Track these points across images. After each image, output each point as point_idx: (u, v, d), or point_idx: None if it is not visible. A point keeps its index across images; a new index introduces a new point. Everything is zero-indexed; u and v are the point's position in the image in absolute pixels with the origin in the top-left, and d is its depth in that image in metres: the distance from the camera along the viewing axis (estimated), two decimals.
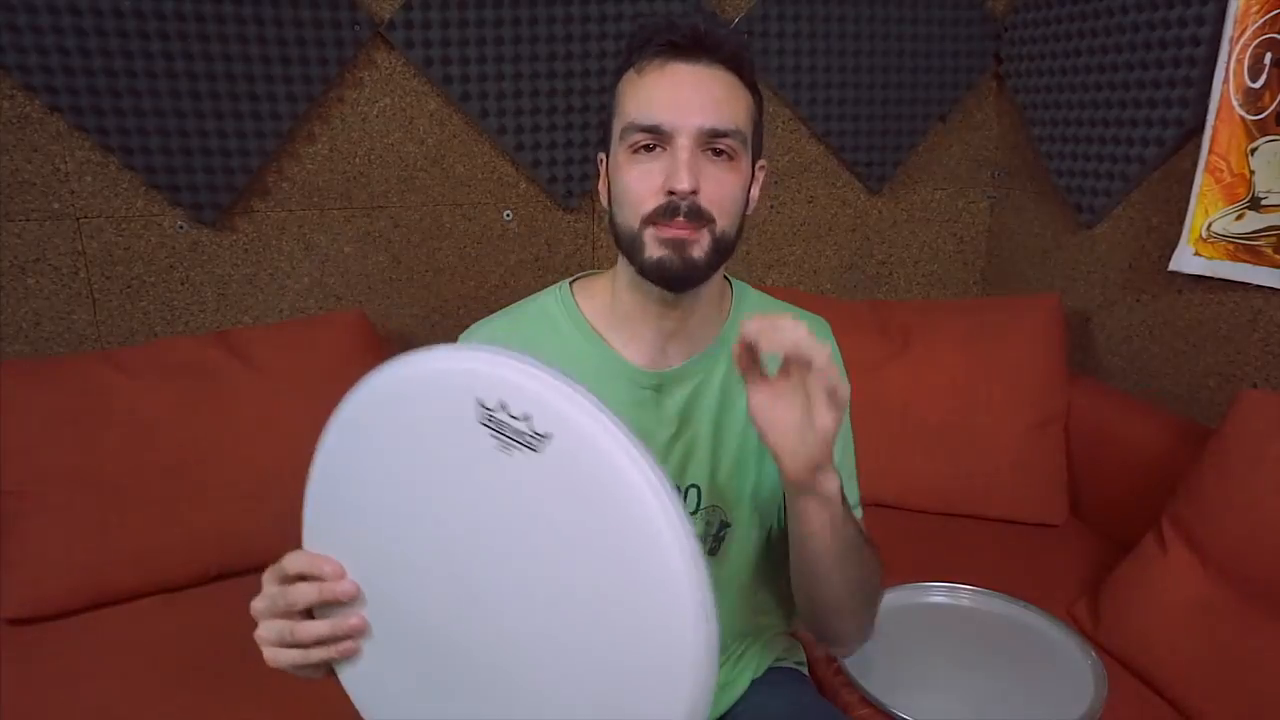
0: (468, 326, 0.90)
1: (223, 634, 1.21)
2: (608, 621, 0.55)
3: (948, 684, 1.11)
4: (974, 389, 1.60)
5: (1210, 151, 1.38)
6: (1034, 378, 1.60)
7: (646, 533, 0.52)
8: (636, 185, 0.75)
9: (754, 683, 0.94)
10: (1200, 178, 1.41)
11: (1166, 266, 1.48)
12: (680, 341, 0.84)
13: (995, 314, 1.69)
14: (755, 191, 0.83)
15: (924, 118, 1.91)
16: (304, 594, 0.63)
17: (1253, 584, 1.07)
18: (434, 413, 0.57)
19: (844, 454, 0.91)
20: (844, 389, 0.64)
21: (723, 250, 0.77)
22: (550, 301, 0.88)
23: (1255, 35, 1.30)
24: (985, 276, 2.10)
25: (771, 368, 0.67)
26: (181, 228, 1.57)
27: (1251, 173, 1.32)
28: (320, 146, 1.62)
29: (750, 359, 0.66)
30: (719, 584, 0.54)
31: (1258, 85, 1.30)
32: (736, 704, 0.92)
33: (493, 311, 0.90)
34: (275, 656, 0.64)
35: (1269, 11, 1.28)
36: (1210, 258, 1.41)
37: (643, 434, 0.54)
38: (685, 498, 0.84)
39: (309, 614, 0.64)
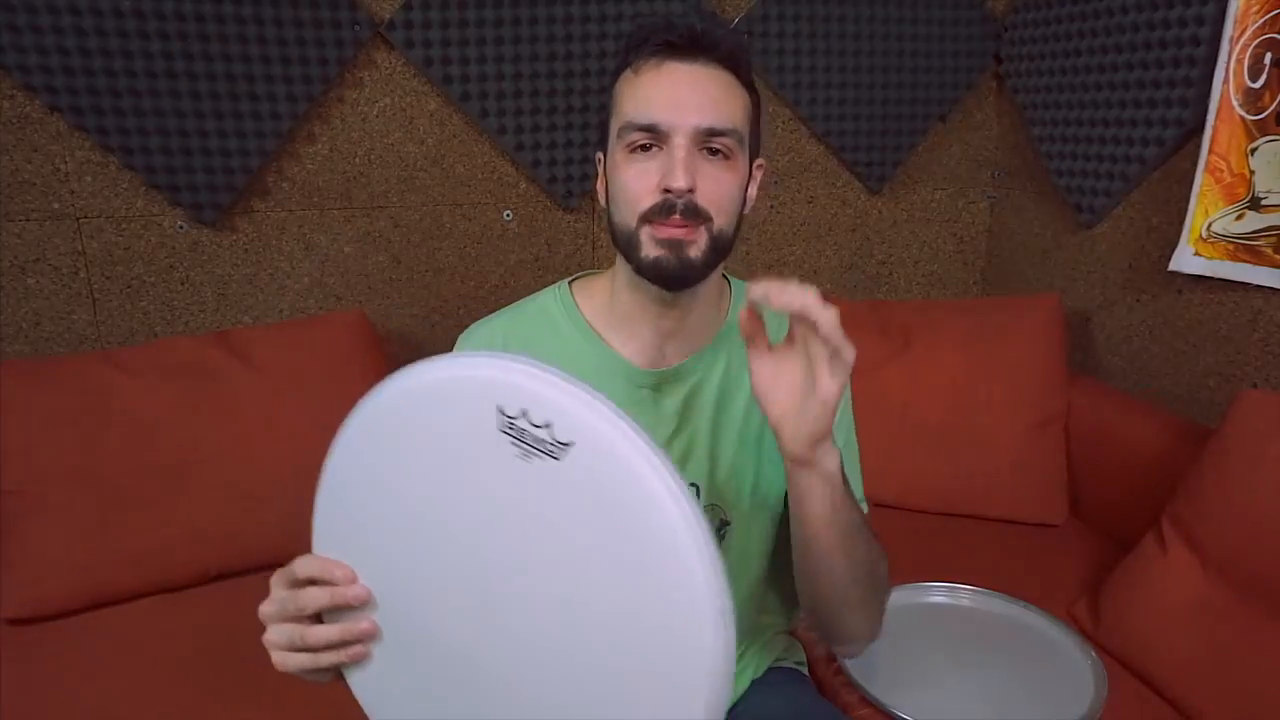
0: (467, 326, 0.90)
1: (222, 634, 1.21)
2: (625, 625, 0.55)
3: (948, 684, 1.11)
4: (974, 389, 1.60)
5: (1210, 151, 1.38)
6: (1034, 378, 1.60)
7: (666, 539, 0.53)
8: (633, 184, 0.75)
9: (754, 683, 0.94)
10: (1200, 178, 1.41)
11: (1166, 266, 1.48)
12: (678, 340, 0.84)
13: (995, 314, 1.69)
14: (753, 190, 0.83)
15: (924, 118, 1.91)
16: (315, 598, 0.62)
17: (1253, 584, 1.07)
18: (453, 420, 0.57)
19: (847, 448, 0.90)
20: (848, 351, 0.63)
21: (720, 249, 0.77)
22: (549, 301, 0.88)
23: (1255, 35, 1.30)
24: (985, 276, 2.10)
25: (776, 340, 0.68)
26: (181, 228, 1.57)
27: (1251, 173, 1.32)
28: (320, 146, 1.62)
29: (756, 325, 0.66)
30: None
31: (1258, 85, 1.30)
32: (736, 704, 0.92)
33: (493, 311, 0.90)
34: (284, 660, 0.64)
35: (1269, 11, 1.28)
36: (1210, 258, 1.41)
37: None
38: None
39: (318, 618, 0.64)
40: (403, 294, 1.75)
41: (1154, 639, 1.15)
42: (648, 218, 0.75)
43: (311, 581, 0.63)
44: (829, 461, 0.69)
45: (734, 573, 0.87)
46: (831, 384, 0.64)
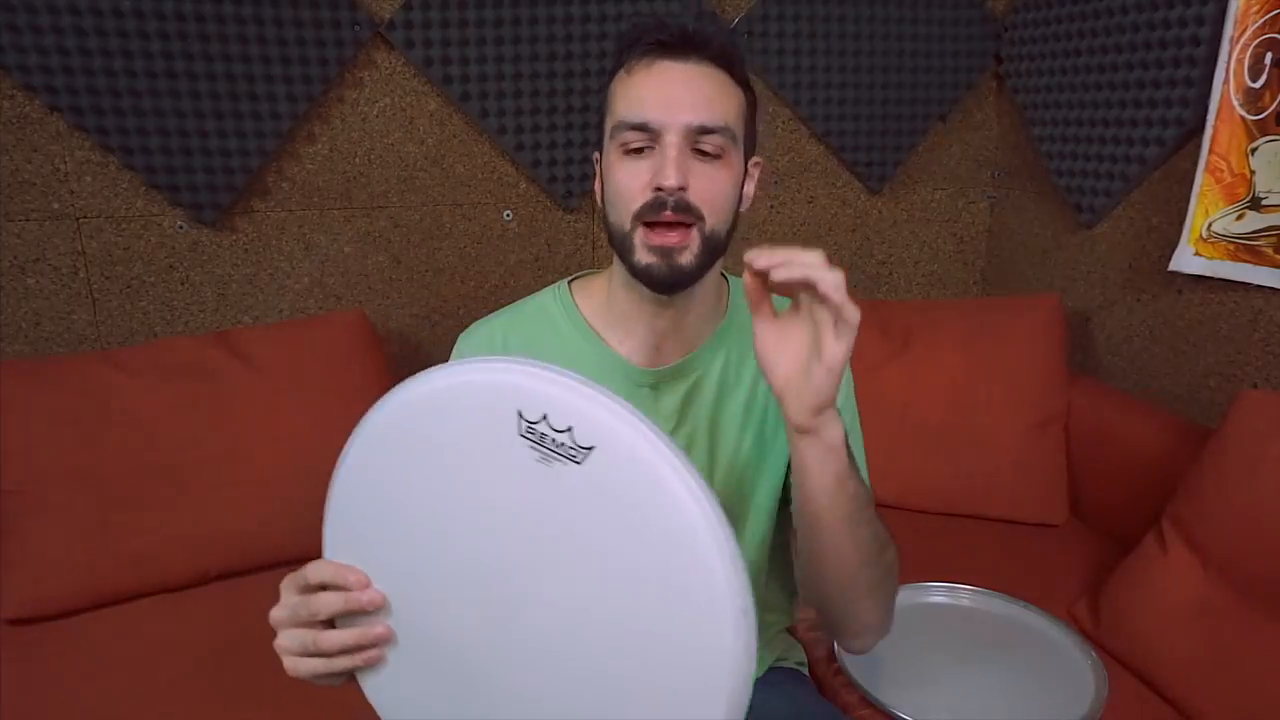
0: (467, 326, 0.90)
1: (222, 634, 1.22)
2: (645, 626, 0.55)
3: (948, 684, 1.11)
4: (974, 389, 1.60)
5: (1210, 151, 1.38)
6: (1034, 378, 1.60)
7: (688, 539, 0.53)
8: (626, 183, 0.75)
9: (754, 682, 0.94)
10: (1200, 178, 1.41)
11: (1166, 266, 1.48)
12: (676, 339, 0.84)
13: (995, 314, 1.69)
14: (749, 188, 0.83)
15: (924, 118, 1.91)
16: (328, 603, 0.62)
17: (1253, 584, 1.07)
18: (472, 425, 0.57)
19: (850, 429, 0.90)
20: (851, 313, 0.62)
21: (713, 249, 0.77)
22: (548, 300, 0.89)
23: (1255, 35, 1.30)
24: (985, 276, 2.10)
25: (781, 308, 0.67)
26: (181, 228, 1.57)
27: (1252, 173, 1.32)
28: (320, 146, 1.62)
29: (760, 292, 0.65)
30: None
31: (1258, 85, 1.30)
32: None
33: (492, 311, 0.91)
34: (296, 666, 0.64)
35: (1269, 11, 1.28)
36: (1210, 258, 1.41)
37: None
38: None
39: (330, 623, 0.64)
40: (403, 294, 1.75)
41: (1154, 639, 1.15)
42: (640, 216, 0.75)
43: (323, 587, 0.63)
44: (833, 430, 0.68)
45: None
46: (837, 347, 0.63)
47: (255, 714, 1.08)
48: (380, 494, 0.62)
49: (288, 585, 0.65)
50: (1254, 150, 1.32)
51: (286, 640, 0.64)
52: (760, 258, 0.62)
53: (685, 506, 0.53)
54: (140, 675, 1.15)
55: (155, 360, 1.39)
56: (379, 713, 0.67)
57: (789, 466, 0.87)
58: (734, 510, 0.86)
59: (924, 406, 1.61)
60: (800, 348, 0.65)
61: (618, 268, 0.82)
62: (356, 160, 1.65)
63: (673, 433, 0.84)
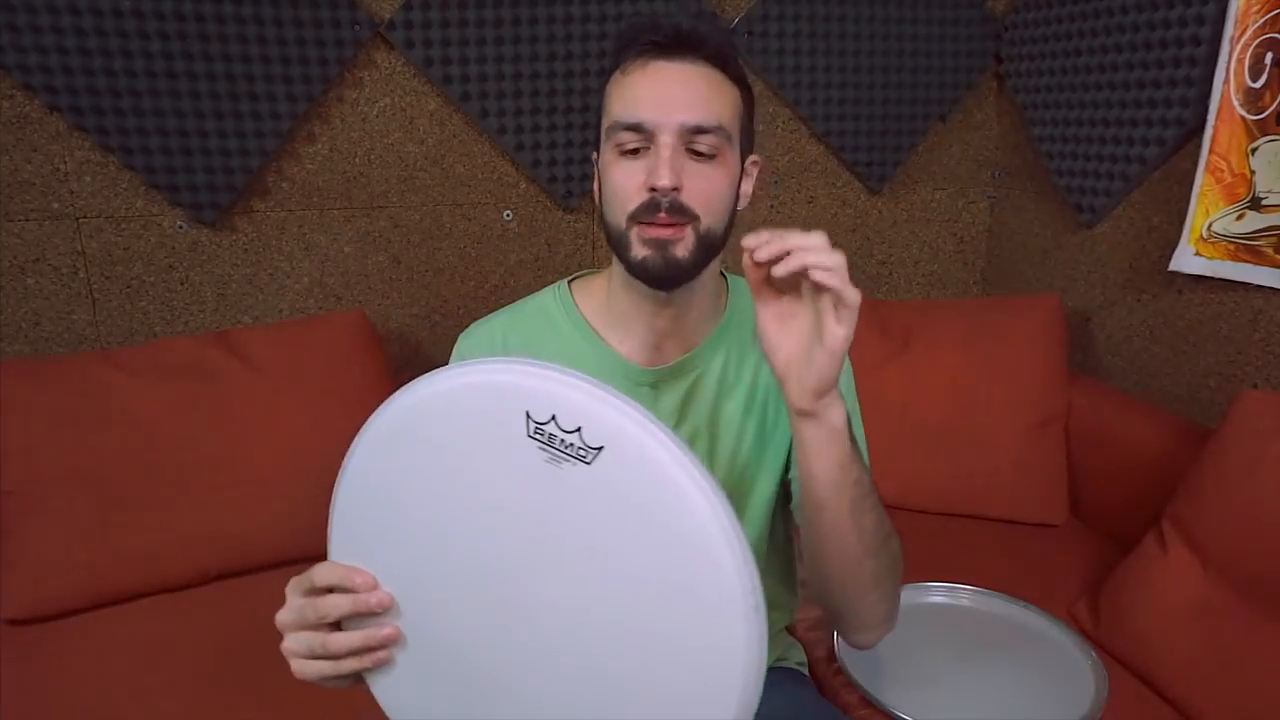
0: (467, 326, 0.90)
1: (222, 634, 1.22)
2: (656, 624, 0.55)
3: (947, 684, 1.11)
4: (974, 389, 1.60)
5: (1211, 151, 1.38)
6: (1034, 378, 1.59)
7: (698, 537, 0.53)
8: (621, 183, 0.76)
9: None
10: (1200, 178, 1.41)
11: (1167, 266, 1.48)
12: (676, 338, 0.84)
13: (995, 314, 1.69)
14: (747, 187, 0.83)
15: (924, 118, 1.91)
16: (336, 606, 0.62)
17: (1253, 584, 1.07)
18: (479, 427, 0.57)
19: (851, 415, 0.90)
20: (852, 295, 0.62)
21: (709, 247, 0.77)
22: (548, 300, 0.89)
23: (1256, 35, 1.30)
24: (985, 276, 2.10)
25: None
26: (181, 228, 1.57)
27: (1252, 173, 1.32)
28: (320, 146, 1.62)
29: (760, 274, 0.65)
30: None
31: (1258, 85, 1.30)
32: None
33: (492, 311, 0.91)
34: (303, 668, 0.64)
35: (1269, 11, 1.28)
36: (1211, 258, 1.41)
37: None
38: None
39: (336, 625, 0.64)
40: (403, 294, 1.75)
41: (1154, 639, 1.15)
42: (636, 217, 0.75)
43: (330, 589, 0.63)
44: (835, 414, 0.68)
45: None
46: (839, 330, 0.63)
47: (255, 714, 1.08)
48: (386, 496, 0.62)
49: (293, 588, 0.65)
50: (1254, 150, 1.32)
51: (294, 643, 0.64)
52: (760, 250, 0.63)
53: (696, 505, 0.53)
54: (140, 675, 1.15)
55: (155, 360, 1.39)
56: (387, 713, 0.67)
57: (788, 462, 0.87)
58: (735, 507, 0.86)
59: (924, 406, 1.61)
60: (802, 331, 0.66)
61: (617, 267, 0.82)
62: (356, 160, 1.65)
63: (673, 430, 0.84)
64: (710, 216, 0.76)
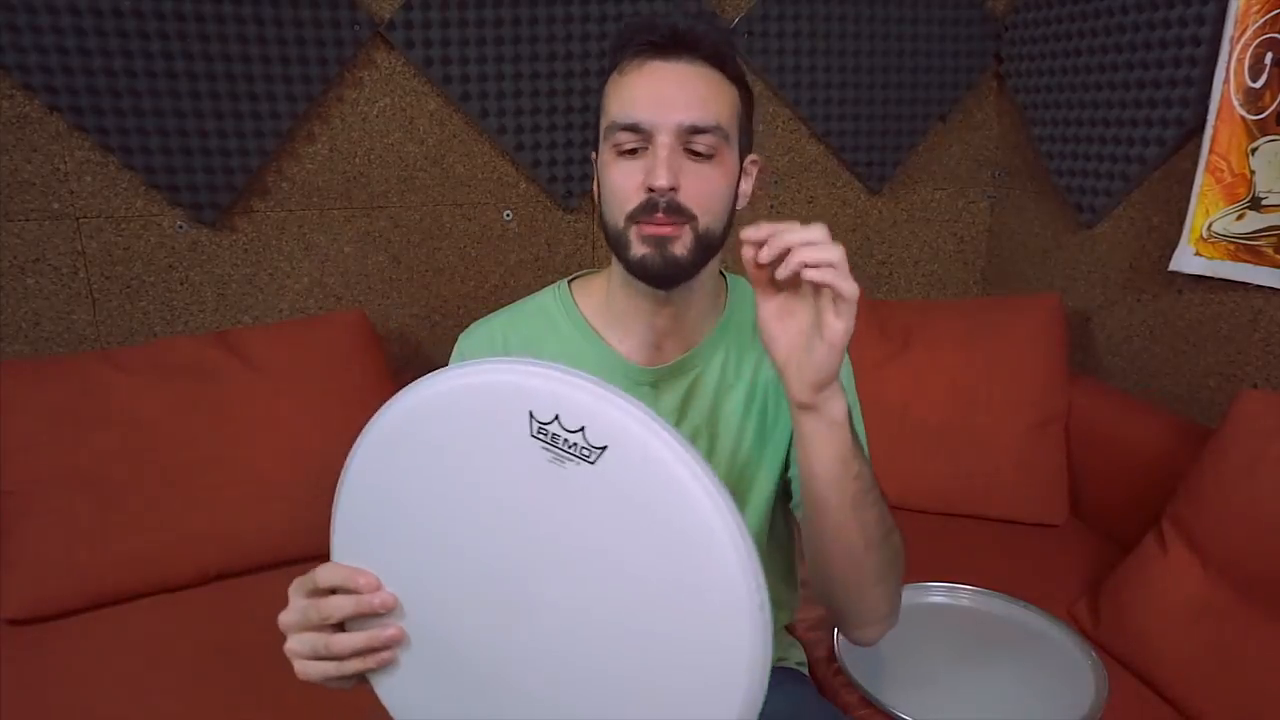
0: (467, 326, 0.90)
1: (222, 634, 1.22)
2: (660, 623, 0.55)
3: (948, 684, 1.11)
4: (974, 389, 1.60)
5: (1211, 151, 1.38)
6: (1034, 378, 1.59)
7: (703, 536, 0.53)
8: (619, 184, 0.76)
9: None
10: (1200, 178, 1.41)
11: (1167, 266, 1.48)
12: (675, 337, 0.84)
13: (995, 314, 1.69)
14: (746, 186, 0.83)
15: (924, 118, 1.91)
16: (339, 607, 0.62)
17: (1253, 584, 1.07)
18: (482, 427, 0.57)
19: (853, 418, 0.90)
20: (849, 289, 0.62)
21: (707, 247, 0.77)
22: (548, 300, 0.89)
23: (1256, 35, 1.30)
24: (985, 276, 2.10)
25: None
26: (181, 228, 1.57)
27: (1252, 173, 1.32)
28: (320, 146, 1.62)
29: (764, 273, 0.66)
30: None
31: (1258, 85, 1.30)
32: None
33: (492, 311, 0.91)
34: (306, 669, 0.64)
35: (1269, 11, 1.28)
36: (1211, 258, 1.41)
37: None
38: None
39: (339, 626, 0.64)
40: (403, 294, 1.75)
41: (1154, 639, 1.15)
42: (634, 217, 0.75)
43: (333, 590, 0.63)
44: (836, 407, 0.68)
45: None
46: (838, 324, 0.63)
47: (255, 714, 1.08)
48: (389, 497, 0.61)
49: (296, 589, 0.65)
50: (1254, 150, 1.32)
51: (297, 644, 0.64)
52: (761, 253, 0.63)
53: (700, 504, 0.53)
54: (140, 675, 1.15)
55: (155, 360, 1.39)
56: (392, 713, 0.67)
57: (788, 460, 0.87)
58: (735, 501, 0.86)
59: (924, 406, 1.61)
60: (802, 324, 0.66)
61: (616, 267, 0.82)
62: (356, 160, 1.65)
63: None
64: (708, 216, 0.76)
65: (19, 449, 1.28)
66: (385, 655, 0.63)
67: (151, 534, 1.30)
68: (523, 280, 1.80)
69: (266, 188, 1.61)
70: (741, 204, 0.82)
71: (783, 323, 0.67)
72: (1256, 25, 1.30)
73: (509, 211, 1.75)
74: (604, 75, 0.81)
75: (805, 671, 1.04)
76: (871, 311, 1.73)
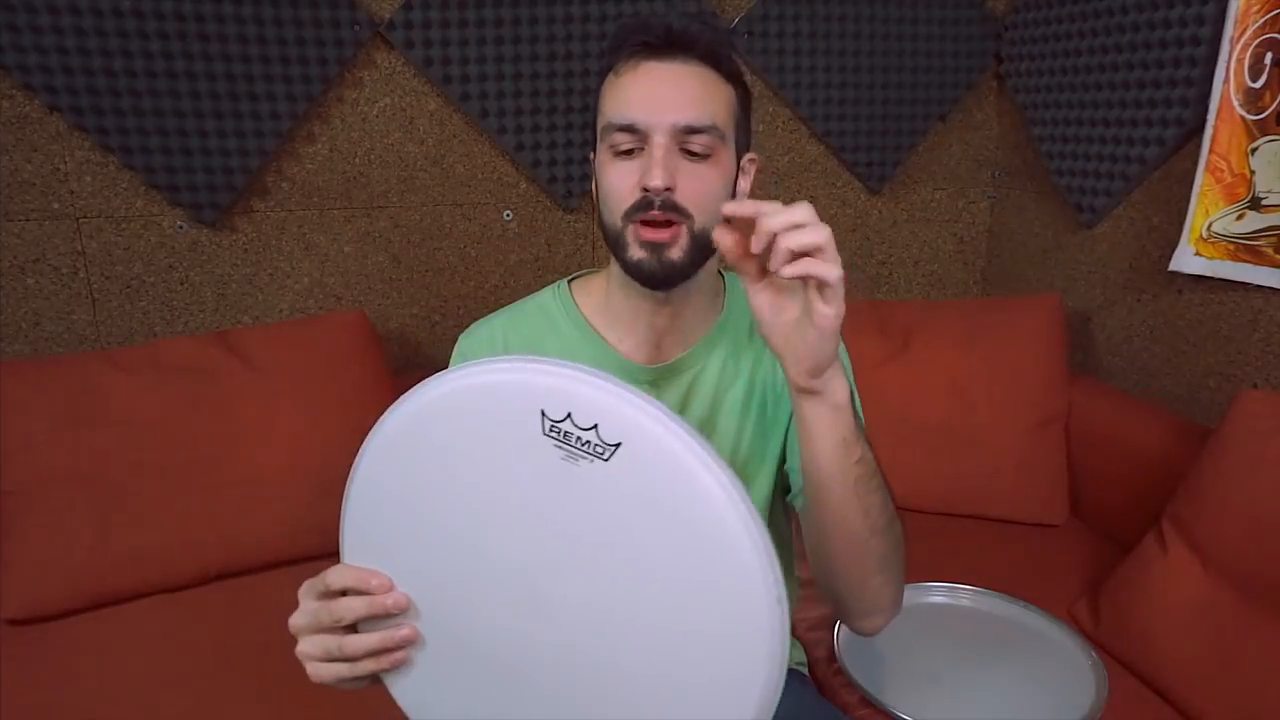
0: (467, 326, 0.90)
1: (222, 634, 1.22)
2: (677, 617, 0.55)
3: (947, 684, 1.11)
4: (974, 389, 1.60)
5: (1210, 151, 1.38)
6: (1034, 378, 1.59)
7: (717, 530, 0.53)
8: (616, 184, 0.76)
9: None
10: (1200, 178, 1.41)
11: (1167, 266, 1.48)
12: (675, 336, 0.84)
13: (995, 314, 1.69)
14: (744, 185, 0.83)
15: (924, 118, 1.91)
16: (352, 608, 0.62)
17: (1253, 584, 1.07)
18: (494, 426, 0.57)
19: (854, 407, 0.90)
20: (830, 274, 0.60)
21: (704, 246, 0.77)
22: (548, 300, 0.89)
23: (1255, 35, 1.30)
24: (985, 276, 2.10)
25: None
26: (181, 228, 1.57)
27: (1252, 173, 1.32)
28: (320, 146, 1.62)
29: (738, 252, 0.65)
30: None
31: (1258, 85, 1.30)
32: None
33: (492, 311, 0.91)
34: (318, 671, 0.64)
35: (1269, 11, 1.28)
36: (1211, 258, 1.41)
37: None
38: None
39: (351, 626, 0.64)
40: (403, 294, 1.75)
41: (1154, 639, 1.15)
42: (630, 216, 0.75)
43: (344, 592, 0.63)
44: (837, 390, 0.68)
45: None
46: (826, 310, 0.62)
47: (255, 714, 1.08)
48: (400, 497, 0.61)
49: (306, 592, 0.65)
50: (1254, 150, 1.32)
51: (309, 646, 0.64)
52: (752, 241, 0.62)
53: (716, 499, 0.53)
54: (140, 675, 1.15)
55: (155, 360, 1.39)
56: (407, 713, 0.67)
57: (784, 454, 0.87)
58: None
59: (924, 406, 1.61)
60: (795, 309, 0.65)
61: (615, 267, 0.82)
62: (356, 160, 1.65)
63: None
64: (704, 215, 0.76)
65: (19, 449, 1.28)
66: (399, 655, 0.63)
67: (151, 534, 1.30)
68: (523, 280, 1.80)
69: (266, 188, 1.61)
70: None
71: (774, 309, 0.66)
72: (1256, 25, 1.30)
73: (509, 211, 1.75)
74: (601, 75, 0.81)
75: (805, 671, 1.04)
76: (871, 311, 1.73)
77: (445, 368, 0.64)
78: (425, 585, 0.62)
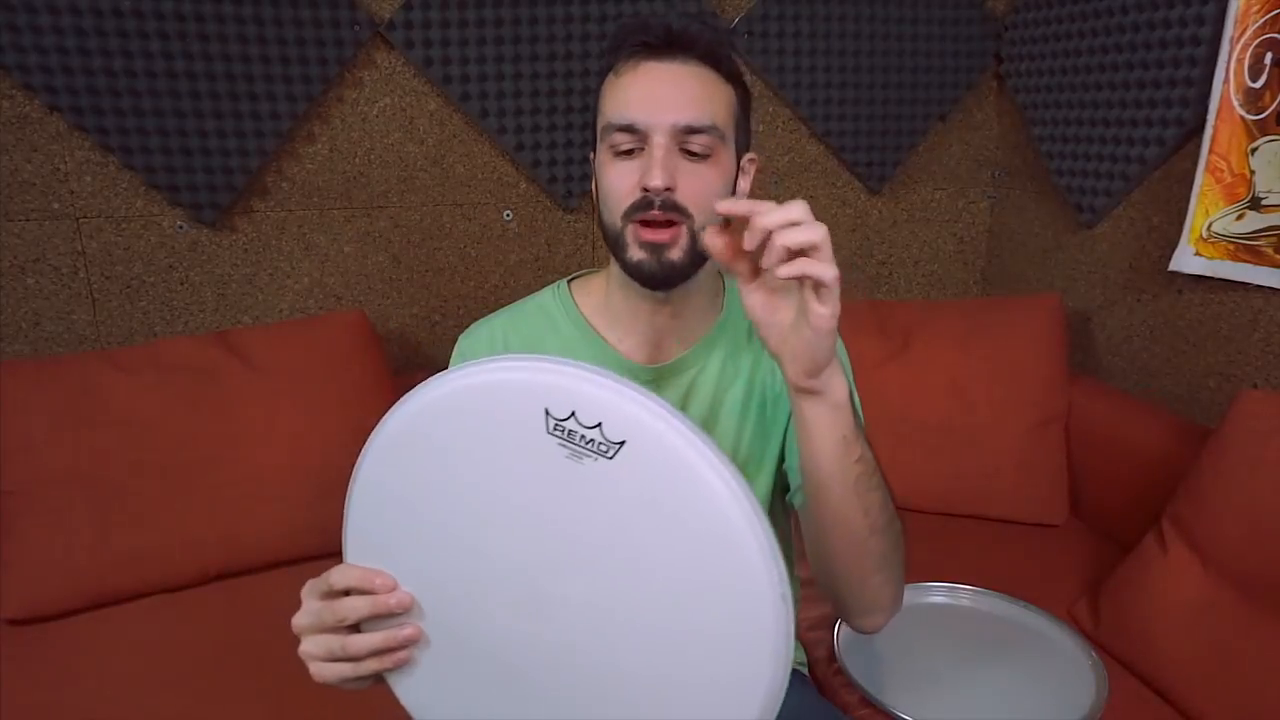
0: (467, 326, 0.90)
1: (222, 634, 1.22)
2: (682, 615, 0.55)
3: (947, 684, 1.11)
4: (974, 389, 1.60)
5: (1210, 151, 1.38)
6: (1034, 378, 1.60)
7: (722, 528, 0.53)
8: (616, 184, 0.76)
9: None
10: (1200, 178, 1.41)
11: (1167, 266, 1.48)
12: (675, 336, 0.85)
13: (995, 314, 1.69)
14: (744, 184, 0.83)
15: (924, 118, 1.91)
16: (355, 608, 0.62)
17: (1253, 584, 1.07)
18: (498, 425, 0.57)
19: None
20: (825, 274, 0.60)
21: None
22: (548, 300, 0.89)
23: (1255, 35, 1.30)
24: (985, 276, 2.10)
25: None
26: (181, 228, 1.57)
27: (1252, 173, 1.32)
28: (320, 146, 1.62)
29: (730, 254, 0.64)
30: None
31: (1258, 85, 1.30)
32: None
33: (492, 311, 0.91)
34: (322, 671, 0.64)
35: (1269, 11, 1.28)
36: (1211, 258, 1.41)
37: None
38: None
39: (354, 626, 0.64)
40: (403, 294, 1.75)
41: (1154, 639, 1.15)
42: (630, 215, 0.75)
43: (347, 592, 0.63)
44: (835, 389, 0.67)
45: None
46: (823, 310, 0.62)
47: (255, 714, 1.08)
48: (403, 497, 0.61)
49: (309, 592, 0.65)
50: (1254, 150, 1.32)
51: (312, 646, 0.64)
52: (745, 238, 0.61)
53: (721, 497, 0.53)
54: (140, 675, 1.15)
55: (155, 360, 1.39)
56: (411, 713, 0.67)
57: (783, 453, 0.87)
58: None
59: (924, 406, 1.61)
60: (789, 310, 0.65)
61: (614, 267, 0.82)
62: (356, 160, 1.65)
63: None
64: (704, 215, 0.76)
65: (19, 449, 1.28)
66: (402, 655, 0.63)
67: (151, 534, 1.30)
68: (523, 280, 1.80)
69: (266, 188, 1.61)
70: None
71: (770, 309, 0.66)
72: (1256, 25, 1.30)
73: (509, 211, 1.75)
74: (601, 75, 0.81)
75: (805, 671, 1.04)
76: (871, 311, 1.73)
77: (445, 368, 0.64)
78: (429, 585, 0.62)
